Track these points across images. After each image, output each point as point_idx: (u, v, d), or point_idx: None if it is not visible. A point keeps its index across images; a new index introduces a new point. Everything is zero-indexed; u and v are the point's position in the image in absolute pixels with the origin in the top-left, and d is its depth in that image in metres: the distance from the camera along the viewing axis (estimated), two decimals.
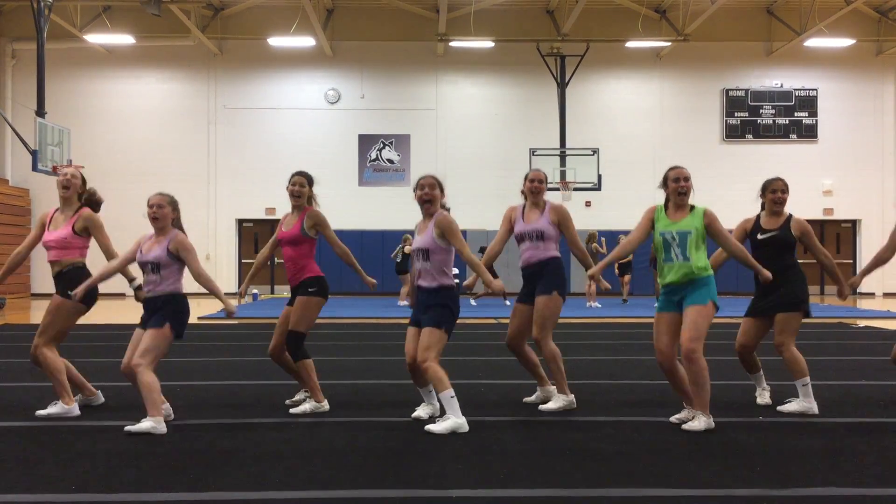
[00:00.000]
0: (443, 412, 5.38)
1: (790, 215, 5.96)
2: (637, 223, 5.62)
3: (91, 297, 5.80)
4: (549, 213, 6.06)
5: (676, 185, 5.40)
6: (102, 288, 5.90)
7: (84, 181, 6.11)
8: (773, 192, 5.96)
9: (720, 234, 5.41)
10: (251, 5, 22.45)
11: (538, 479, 4.17)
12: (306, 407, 5.88)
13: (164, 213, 5.47)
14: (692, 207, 5.44)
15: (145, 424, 5.11)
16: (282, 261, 6.17)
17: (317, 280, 5.94)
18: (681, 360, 5.34)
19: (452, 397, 5.24)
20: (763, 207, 6.09)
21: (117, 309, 16.05)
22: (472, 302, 18.16)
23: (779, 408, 5.94)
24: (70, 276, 5.77)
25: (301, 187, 6.00)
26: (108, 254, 5.93)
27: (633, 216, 24.45)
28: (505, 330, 6.23)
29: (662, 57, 23.45)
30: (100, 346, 10.11)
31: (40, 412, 5.72)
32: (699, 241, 5.34)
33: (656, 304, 5.60)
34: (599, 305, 17.54)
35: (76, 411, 5.77)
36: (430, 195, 5.56)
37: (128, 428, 5.11)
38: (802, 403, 5.85)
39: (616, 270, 18.61)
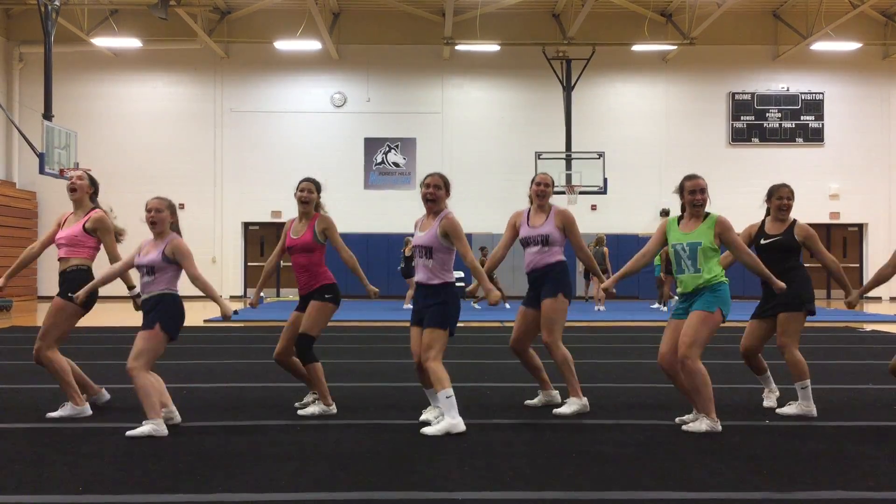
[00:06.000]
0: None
1: (794, 220, 5.99)
2: (652, 235, 5.72)
3: (91, 300, 5.82)
4: (555, 218, 6.07)
5: (692, 198, 5.44)
6: (104, 291, 5.92)
7: (92, 181, 6.20)
8: (780, 198, 5.98)
9: (732, 242, 5.41)
10: (258, 9, 22.52)
11: (543, 481, 4.17)
12: (314, 409, 5.90)
13: (162, 218, 5.48)
14: (707, 215, 5.47)
15: (146, 428, 5.12)
16: (288, 264, 6.17)
17: (332, 287, 5.99)
18: None
19: (449, 397, 5.24)
20: (768, 213, 6.12)
21: (119, 311, 16.08)
22: (476, 306, 18.18)
23: (778, 410, 5.98)
24: (73, 277, 5.80)
25: (309, 193, 6.02)
26: (113, 257, 5.99)
27: (639, 220, 24.73)
28: (510, 333, 6.24)
29: (668, 60, 23.44)
30: (102, 348, 10.12)
31: (51, 414, 5.75)
32: (709, 251, 5.33)
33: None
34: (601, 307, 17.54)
35: (88, 411, 5.83)
36: (434, 195, 5.58)
37: (129, 433, 5.11)
38: (801, 406, 5.87)
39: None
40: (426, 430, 5.25)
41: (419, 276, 5.60)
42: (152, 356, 5.31)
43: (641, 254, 5.66)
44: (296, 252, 5.97)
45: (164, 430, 5.15)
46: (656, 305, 18.57)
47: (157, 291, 5.39)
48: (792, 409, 5.91)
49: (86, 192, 6.08)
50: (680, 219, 5.58)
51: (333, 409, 5.93)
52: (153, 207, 5.49)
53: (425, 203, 5.63)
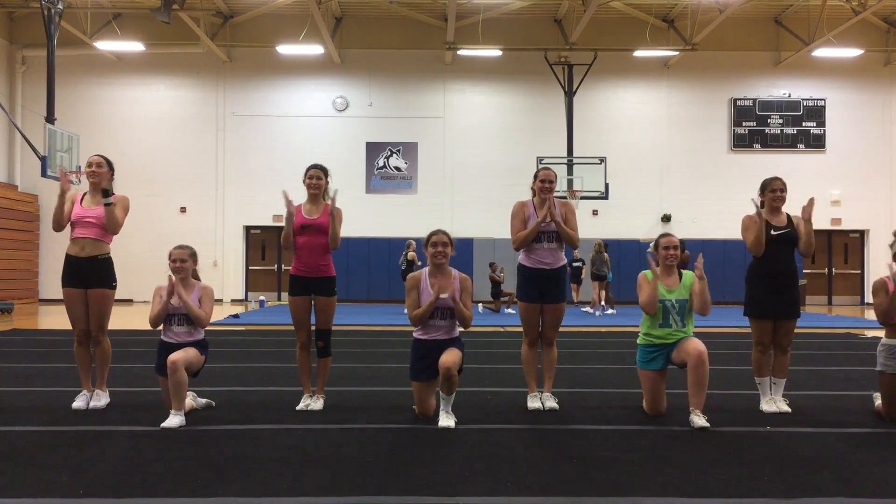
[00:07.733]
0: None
1: (787, 213, 6.19)
2: (642, 288, 5.81)
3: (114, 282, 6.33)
4: (560, 210, 6.23)
5: (666, 253, 5.78)
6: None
7: (110, 165, 6.36)
8: (773, 190, 6.16)
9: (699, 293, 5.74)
10: (260, 13, 22.57)
11: (544, 486, 4.17)
12: (320, 404, 6.18)
13: (187, 266, 5.78)
14: (680, 273, 5.84)
15: (177, 419, 5.50)
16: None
17: (335, 280, 6.25)
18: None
19: None
20: (761, 206, 6.25)
21: (123, 315, 16.12)
22: (481, 310, 18.22)
23: (768, 408, 6.15)
24: (108, 265, 6.20)
25: (318, 179, 6.24)
26: (114, 224, 6.12)
27: (640, 225, 24.70)
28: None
29: (670, 66, 23.47)
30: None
31: (82, 405, 6.15)
32: (690, 308, 5.78)
33: (640, 359, 5.95)
34: (602, 312, 17.53)
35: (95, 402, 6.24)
36: (444, 253, 5.71)
37: (164, 424, 5.45)
38: (782, 402, 6.20)
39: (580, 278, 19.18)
40: (451, 425, 5.50)
41: (434, 336, 5.70)
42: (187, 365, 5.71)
43: (648, 304, 5.77)
44: (312, 231, 6.11)
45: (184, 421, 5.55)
46: (590, 310, 18.51)
47: (197, 339, 5.86)
48: (783, 406, 6.15)
49: (106, 176, 6.27)
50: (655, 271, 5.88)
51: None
52: (177, 257, 5.78)
53: (434, 265, 5.74)
